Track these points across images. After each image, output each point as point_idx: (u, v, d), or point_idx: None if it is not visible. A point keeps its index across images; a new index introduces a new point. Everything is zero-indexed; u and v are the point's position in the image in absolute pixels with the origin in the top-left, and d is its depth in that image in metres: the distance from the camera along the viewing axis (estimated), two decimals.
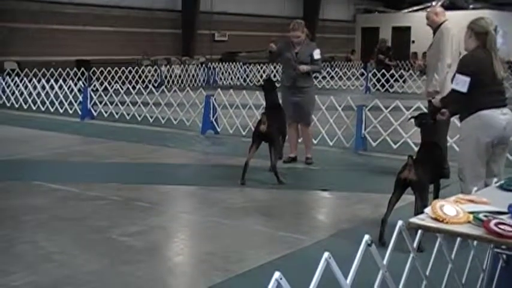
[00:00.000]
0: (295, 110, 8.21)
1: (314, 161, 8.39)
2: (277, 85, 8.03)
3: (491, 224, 2.49)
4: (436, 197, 5.03)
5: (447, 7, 31.22)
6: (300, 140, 8.62)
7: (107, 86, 15.06)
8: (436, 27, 7.19)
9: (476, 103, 4.84)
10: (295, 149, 8.49)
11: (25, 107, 14.74)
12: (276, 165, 7.16)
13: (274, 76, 22.77)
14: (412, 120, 5.59)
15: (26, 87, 15.45)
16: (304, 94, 8.18)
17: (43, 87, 15.12)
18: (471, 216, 2.64)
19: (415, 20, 31.74)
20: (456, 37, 7.04)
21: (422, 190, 4.86)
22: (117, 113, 12.82)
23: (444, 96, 5.34)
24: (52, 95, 14.55)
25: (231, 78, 24.15)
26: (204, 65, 24.17)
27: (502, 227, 2.48)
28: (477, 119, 4.86)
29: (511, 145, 5.37)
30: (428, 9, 7.49)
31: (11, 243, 5.04)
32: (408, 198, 5.18)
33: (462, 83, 4.81)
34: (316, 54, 8.18)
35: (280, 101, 8.08)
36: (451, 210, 2.67)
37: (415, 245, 3.13)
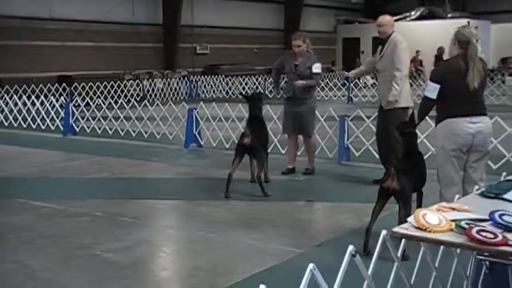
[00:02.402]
0: (295, 121, 8.29)
1: (305, 172, 8.45)
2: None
3: (473, 232, 2.52)
4: (419, 205, 5.07)
5: (426, 16, 31.64)
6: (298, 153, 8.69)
7: (89, 101, 14.99)
8: (386, 37, 7.43)
9: (445, 111, 5.02)
10: (293, 161, 8.53)
11: (6, 124, 14.63)
12: (260, 176, 7.18)
13: (257, 88, 22.87)
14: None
15: (6, 104, 15.34)
16: (303, 105, 8.23)
17: (24, 104, 15.03)
18: (453, 224, 2.67)
19: (395, 29, 31.94)
20: (408, 49, 7.45)
21: (406, 199, 4.89)
22: (99, 128, 12.77)
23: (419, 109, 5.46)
24: (34, 112, 14.46)
25: (214, 91, 24.17)
26: (186, 78, 24.16)
27: (483, 234, 2.51)
28: (444, 127, 5.05)
29: (492, 152, 5.45)
30: (379, 19, 7.63)
31: None
32: (392, 207, 5.21)
33: (432, 90, 5.01)
34: (316, 68, 8.19)
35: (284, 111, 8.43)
36: (434, 218, 2.70)
37: (399, 253, 3.16)
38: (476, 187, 3.72)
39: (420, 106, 5.26)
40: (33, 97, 15.24)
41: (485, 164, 5.25)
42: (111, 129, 12.59)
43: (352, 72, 8.60)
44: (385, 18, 7.61)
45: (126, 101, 14.87)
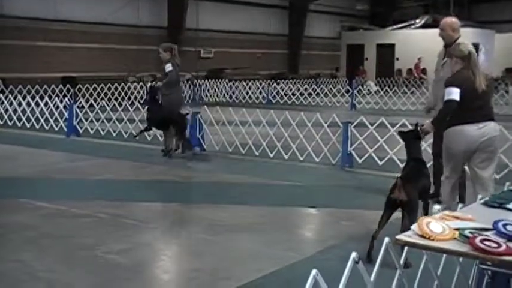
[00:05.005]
0: None
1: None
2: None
3: (477, 241, 2.53)
4: (426, 214, 5.08)
5: (430, 25, 31.66)
6: None
7: (93, 102, 15.03)
8: (450, 43, 6.49)
9: (455, 118, 5.28)
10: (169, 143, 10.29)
11: (10, 124, 14.65)
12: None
13: (260, 92, 22.83)
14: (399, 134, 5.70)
15: (10, 104, 15.38)
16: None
17: (28, 104, 15.06)
18: (457, 233, 2.68)
19: (399, 37, 32.07)
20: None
21: (413, 209, 4.91)
22: (102, 130, 12.79)
23: (435, 117, 5.60)
24: (37, 112, 14.49)
25: (217, 95, 24.19)
26: (190, 82, 24.20)
27: (487, 243, 2.52)
28: (451, 132, 5.37)
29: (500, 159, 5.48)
30: (445, 21, 6.74)
31: None
32: (395, 214, 5.21)
33: (455, 93, 5.20)
34: (166, 68, 9.99)
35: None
36: (437, 227, 2.71)
37: (401, 261, 3.16)
38: (480, 196, 3.73)
39: (442, 110, 5.40)
40: (37, 97, 15.27)
41: (495, 164, 5.50)
42: (114, 131, 12.61)
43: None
44: (446, 21, 6.69)
45: (129, 103, 14.88)
